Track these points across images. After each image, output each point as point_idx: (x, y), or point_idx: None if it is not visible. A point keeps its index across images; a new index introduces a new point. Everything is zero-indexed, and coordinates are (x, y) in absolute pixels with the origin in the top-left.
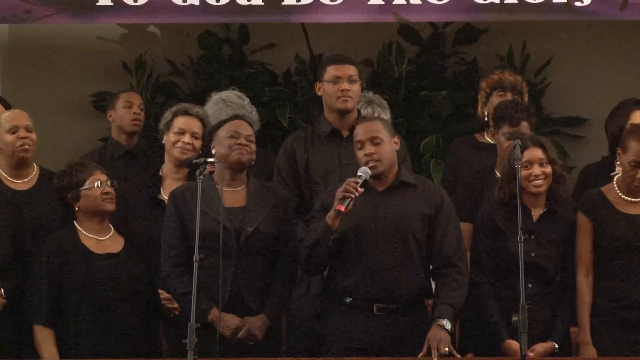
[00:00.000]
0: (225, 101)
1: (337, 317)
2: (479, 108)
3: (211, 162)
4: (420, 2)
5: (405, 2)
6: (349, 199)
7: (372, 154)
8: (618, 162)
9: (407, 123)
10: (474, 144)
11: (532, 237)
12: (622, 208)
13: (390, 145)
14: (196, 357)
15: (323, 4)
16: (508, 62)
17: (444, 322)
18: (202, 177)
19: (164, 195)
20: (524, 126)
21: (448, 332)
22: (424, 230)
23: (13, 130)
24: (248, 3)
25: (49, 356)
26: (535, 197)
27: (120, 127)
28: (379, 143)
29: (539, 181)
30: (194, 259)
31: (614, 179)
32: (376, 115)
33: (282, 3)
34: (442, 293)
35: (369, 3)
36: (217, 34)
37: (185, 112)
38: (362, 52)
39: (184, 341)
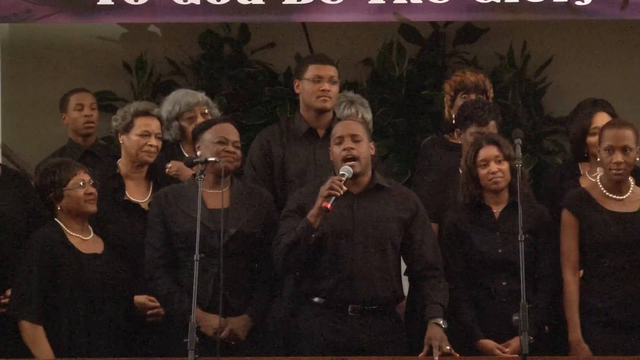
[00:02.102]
0: (188, 93)
1: (310, 318)
2: (446, 110)
3: (212, 162)
4: (421, 2)
5: (405, 2)
6: (334, 197)
7: (352, 149)
8: (598, 159)
9: (408, 122)
10: (444, 145)
11: (497, 233)
12: (607, 206)
13: (367, 147)
14: (197, 356)
15: (324, 4)
16: (509, 62)
17: (441, 322)
18: (202, 176)
19: (129, 196)
20: (492, 125)
21: (444, 330)
22: (400, 235)
23: None
24: (249, 2)
25: (44, 354)
26: (497, 194)
27: (74, 130)
28: (359, 141)
29: (498, 178)
30: (195, 259)
31: (597, 178)
32: (359, 115)
33: (283, 2)
34: (432, 294)
35: (369, 2)
36: (218, 33)
37: (146, 113)
38: (363, 51)
39: (184, 340)
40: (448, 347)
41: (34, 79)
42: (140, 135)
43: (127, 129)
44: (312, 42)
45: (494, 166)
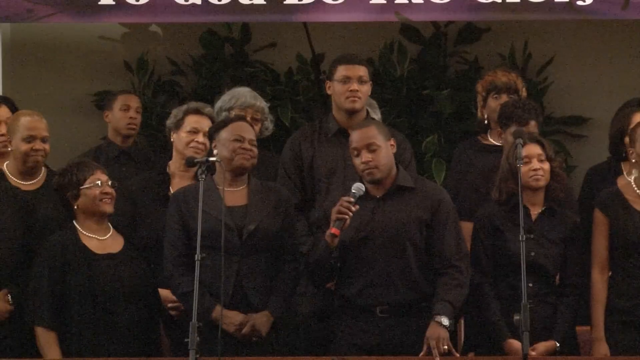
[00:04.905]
0: (251, 93)
1: (343, 319)
2: (478, 110)
3: (213, 161)
4: (422, 1)
5: (407, 1)
6: (343, 221)
7: (369, 161)
8: (634, 161)
9: (409, 122)
10: (478, 146)
11: (532, 236)
12: (638, 206)
13: (386, 150)
14: (198, 355)
15: (325, 3)
16: (510, 61)
17: (442, 319)
18: (204, 175)
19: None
20: (532, 125)
21: (446, 329)
22: (422, 235)
23: (29, 139)
24: (250, 2)
25: (53, 359)
26: (534, 195)
27: (115, 129)
28: (375, 150)
29: (539, 175)
30: (196, 258)
31: (632, 180)
32: (370, 117)
33: (284, 2)
34: (441, 291)
35: (370, 2)
36: (219, 33)
37: (197, 111)
38: (364, 51)
39: (185, 340)
40: (446, 347)
41: (35, 78)
42: (189, 132)
43: (178, 126)
44: (313, 42)
45: (536, 163)
